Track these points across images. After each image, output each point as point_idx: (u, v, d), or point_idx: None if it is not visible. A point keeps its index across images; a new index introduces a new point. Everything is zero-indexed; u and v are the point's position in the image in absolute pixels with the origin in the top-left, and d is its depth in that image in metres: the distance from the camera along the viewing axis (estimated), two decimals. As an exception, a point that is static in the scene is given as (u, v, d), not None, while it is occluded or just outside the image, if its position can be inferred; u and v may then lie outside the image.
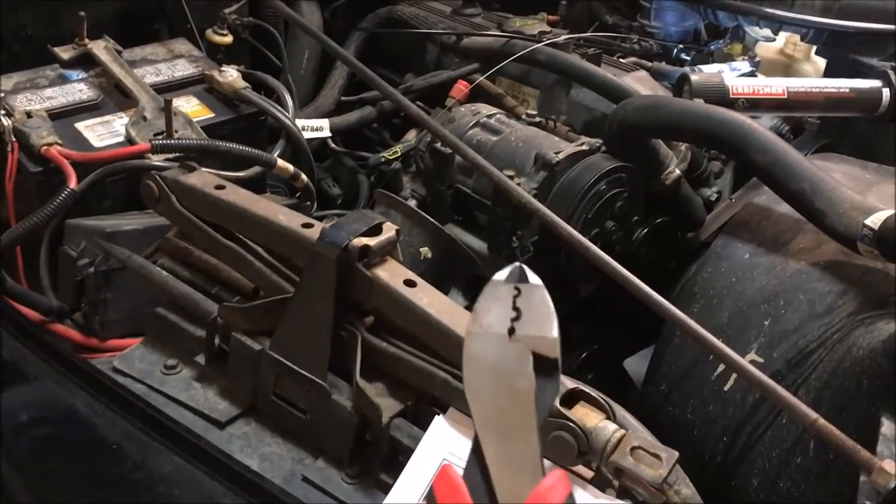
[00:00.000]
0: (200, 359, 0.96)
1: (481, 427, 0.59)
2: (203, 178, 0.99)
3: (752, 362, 1.11)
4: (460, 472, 0.79)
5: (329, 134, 1.66)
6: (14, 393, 0.98)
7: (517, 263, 0.64)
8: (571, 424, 0.76)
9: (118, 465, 0.87)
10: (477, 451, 0.58)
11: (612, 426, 0.77)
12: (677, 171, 1.41)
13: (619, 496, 0.80)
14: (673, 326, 1.21)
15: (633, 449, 0.75)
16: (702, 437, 1.16)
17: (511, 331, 0.61)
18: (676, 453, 0.75)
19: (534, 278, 0.63)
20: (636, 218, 1.39)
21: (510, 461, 0.57)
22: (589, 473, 0.81)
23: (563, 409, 0.77)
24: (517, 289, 0.62)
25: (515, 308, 0.62)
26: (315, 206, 1.41)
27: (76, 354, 1.03)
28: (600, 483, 0.80)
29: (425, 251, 1.28)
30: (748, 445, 1.10)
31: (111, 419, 0.91)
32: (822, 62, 1.83)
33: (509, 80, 1.65)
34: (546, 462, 0.61)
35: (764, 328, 1.14)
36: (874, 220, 1.05)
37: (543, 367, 0.60)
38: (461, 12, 1.83)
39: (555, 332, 0.61)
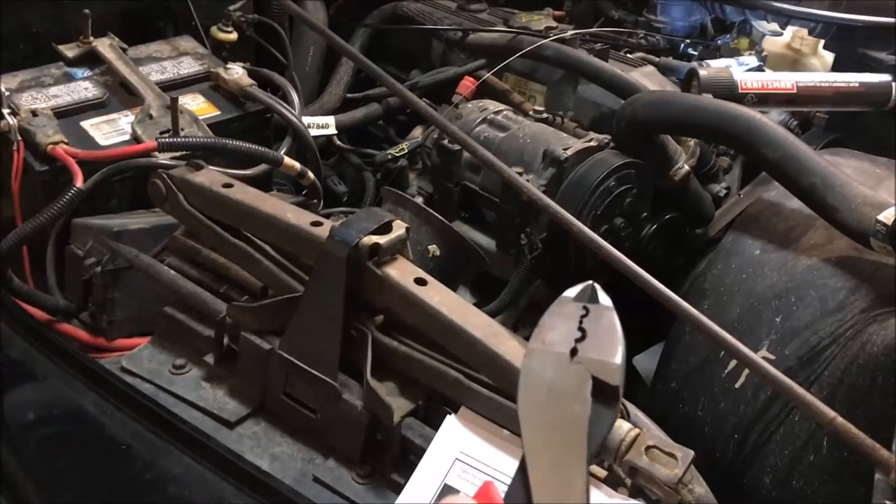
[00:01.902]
0: (209, 358, 0.96)
1: (529, 448, 0.55)
2: (210, 177, 0.98)
3: (764, 359, 1.10)
4: (472, 474, 0.78)
5: (335, 131, 1.65)
6: (22, 393, 0.98)
7: (590, 282, 0.61)
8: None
9: (128, 465, 0.87)
10: (522, 473, 0.55)
11: (626, 425, 0.76)
12: (686, 167, 1.40)
13: (632, 495, 0.79)
14: (683, 323, 1.20)
15: (647, 448, 0.74)
16: (713, 435, 1.15)
17: (573, 351, 0.58)
18: (692, 452, 0.74)
19: (605, 299, 0.60)
20: (645, 214, 1.38)
21: (554, 491, 0.54)
22: (602, 473, 0.80)
23: (576, 408, 0.77)
24: (585, 308, 0.60)
25: (581, 328, 0.59)
26: (322, 203, 1.40)
27: (84, 354, 1.03)
28: (613, 481, 0.80)
29: (434, 249, 1.27)
30: (760, 443, 1.09)
31: (120, 419, 0.90)
32: (829, 56, 1.81)
33: (516, 76, 1.64)
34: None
35: (775, 325, 1.13)
36: (887, 216, 1.04)
37: (602, 393, 0.57)
38: (467, 8, 1.82)
39: (619, 358, 0.58)
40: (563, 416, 0.56)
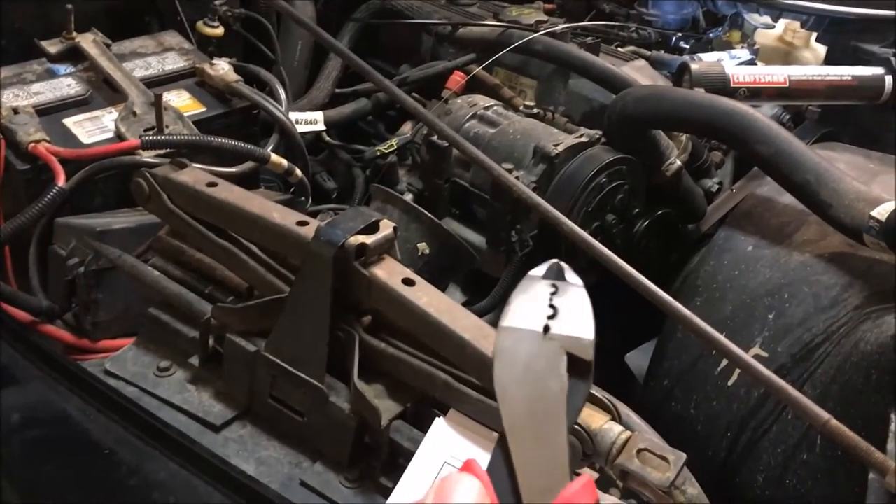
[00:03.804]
0: (194, 360, 0.94)
1: (509, 426, 0.56)
2: (195, 176, 0.96)
3: (757, 357, 1.10)
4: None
5: (323, 127, 1.63)
6: (4, 396, 0.96)
7: (555, 260, 0.61)
8: (576, 427, 0.74)
9: (112, 470, 0.85)
10: (503, 450, 0.55)
11: (617, 428, 0.75)
12: (678, 162, 1.39)
13: (623, 497, 0.78)
14: (675, 321, 1.19)
15: (639, 451, 0.73)
16: (705, 434, 1.15)
17: (546, 329, 0.58)
18: (684, 455, 0.73)
19: (572, 277, 0.60)
20: (637, 210, 1.37)
21: (537, 463, 0.55)
22: (594, 475, 0.79)
23: (567, 411, 0.76)
24: (555, 286, 0.60)
25: (552, 306, 0.59)
26: (310, 200, 1.39)
27: (67, 357, 1.01)
28: (604, 483, 0.79)
29: (423, 247, 1.26)
30: (753, 441, 1.09)
31: (104, 423, 0.89)
32: (822, 49, 1.80)
33: (506, 70, 1.62)
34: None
35: (768, 322, 1.13)
36: (881, 212, 1.03)
37: (576, 369, 0.57)
38: (456, 2, 1.81)
39: (591, 333, 0.58)
40: (541, 393, 0.57)
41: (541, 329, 0.58)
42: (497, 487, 0.54)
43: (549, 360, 0.57)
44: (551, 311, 0.59)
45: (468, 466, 0.55)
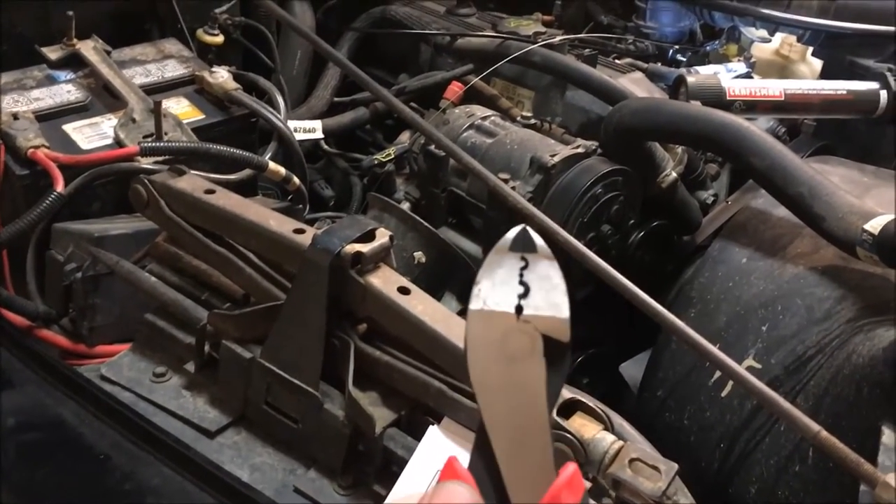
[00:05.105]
0: (190, 366, 0.95)
1: (489, 419, 0.53)
2: (193, 182, 0.97)
3: (750, 368, 1.10)
4: None
5: (321, 135, 1.64)
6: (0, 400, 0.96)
7: (522, 225, 0.56)
8: (569, 436, 0.75)
9: (106, 475, 0.85)
10: (483, 444, 0.53)
11: (610, 437, 0.76)
12: (674, 174, 1.40)
13: (615, 507, 0.78)
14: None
15: (631, 461, 0.74)
16: (699, 444, 1.15)
17: (519, 309, 0.54)
18: (676, 466, 0.73)
19: (542, 245, 0.55)
20: (632, 221, 1.37)
21: (520, 454, 0.52)
22: (586, 484, 0.79)
23: (560, 420, 0.76)
24: (524, 259, 0.55)
25: (523, 283, 0.54)
26: (307, 208, 1.39)
27: (63, 362, 1.01)
28: (596, 493, 0.79)
29: (419, 256, 1.27)
30: (746, 452, 1.09)
31: (99, 429, 0.89)
32: (818, 63, 1.82)
33: (504, 81, 1.63)
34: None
35: (762, 333, 1.13)
36: (873, 226, 1.04)
37: (553, 351, 0.54)
38: (455, 12, 1.82)
39: (567, 311, 0.54)
40: (519, 380, 0.53)
41: (513, 310, 0.54)
42: (480, 484, 0.53)
43: (525, 345, 0.53)
44: (522, 288, 0.54)
45: (450, 467, 0.53)
